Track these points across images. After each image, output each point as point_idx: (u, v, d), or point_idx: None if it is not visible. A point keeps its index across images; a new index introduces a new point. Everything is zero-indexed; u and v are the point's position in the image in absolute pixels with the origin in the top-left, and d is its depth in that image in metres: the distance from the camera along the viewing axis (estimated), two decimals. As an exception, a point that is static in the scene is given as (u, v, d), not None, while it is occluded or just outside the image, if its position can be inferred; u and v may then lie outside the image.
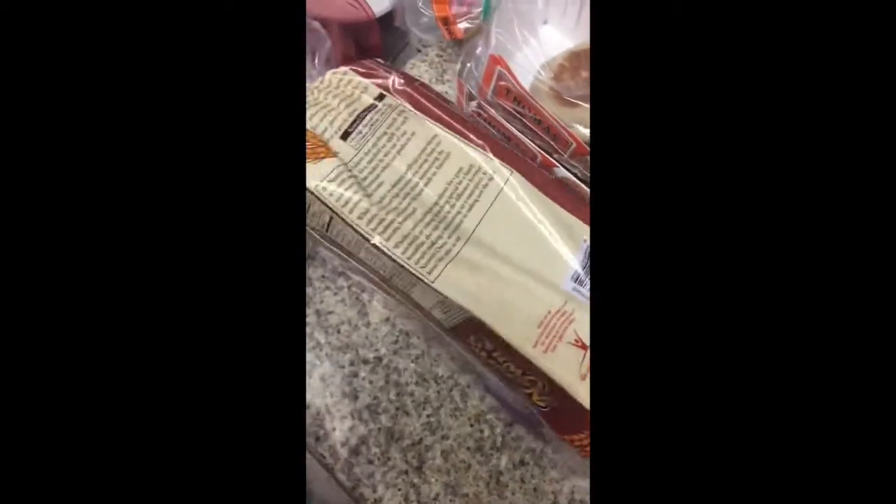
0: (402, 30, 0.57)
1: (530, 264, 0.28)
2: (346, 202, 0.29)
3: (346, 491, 0.34)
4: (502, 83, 0.34)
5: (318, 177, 0.29)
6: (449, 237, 0.28)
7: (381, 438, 0.35)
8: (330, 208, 0.29)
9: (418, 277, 0.28)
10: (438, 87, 0.42)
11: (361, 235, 0.28)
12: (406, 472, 0.34)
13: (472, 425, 0.36)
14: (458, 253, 0.28)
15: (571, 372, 0.27)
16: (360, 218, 0.28)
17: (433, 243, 0.28)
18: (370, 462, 0.34)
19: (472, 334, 0.29)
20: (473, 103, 0.38)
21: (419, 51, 0.43)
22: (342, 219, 0.29)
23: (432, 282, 0.28)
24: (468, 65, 0.36)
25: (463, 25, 0.36)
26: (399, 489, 0.34)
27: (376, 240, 0.28)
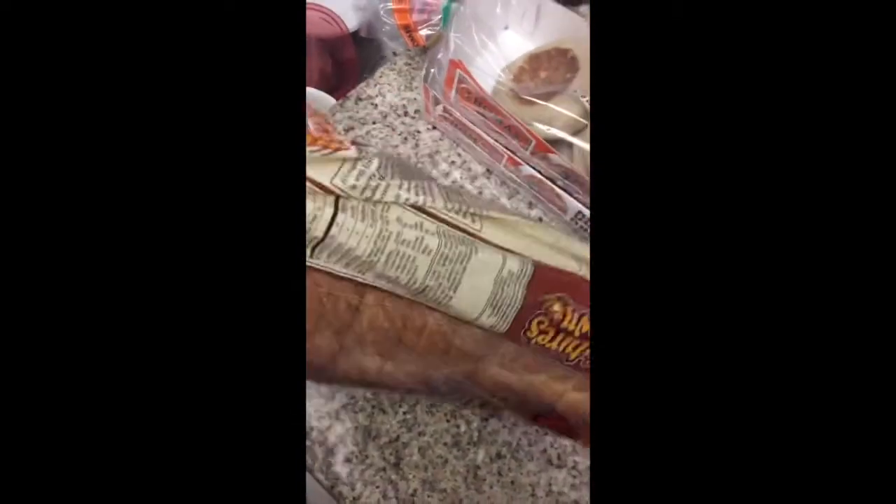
0: (377, 42, 0.58)
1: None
2: (386, 189, 0.27)
3: (325, 490, 0.35)
4: (463, 86, 0.35)
5: (341, 175, 0.27)
6: (476, 207, 0.29)
7: (357, 437, 0.35)
8: (366, 198, 0.27)
9: (476, 237, 0.28)
10: (407, 94, 0.43)
11: (429, 215, 0.27)
12: (384, 470, 0.35)
13: (448, 420, 0.36)
14: (495, 216, 0.29)
15: None
16: (405, 190, 0.27)
17: (471, 212, 0.29)
18: (348, 461, 0.35)
19: (532, 317, 0.28)
20: (439, 107, 0.39)
21: (389, 60, 0.45)
22: (380, 208, 0.27)
23: (488, 238, 0.28)
24: (432, 70, 0.38)
25: (424, 32, 0.37)
26: (377, 486, 0.35)
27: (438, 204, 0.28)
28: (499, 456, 0.36)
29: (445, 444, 0.36)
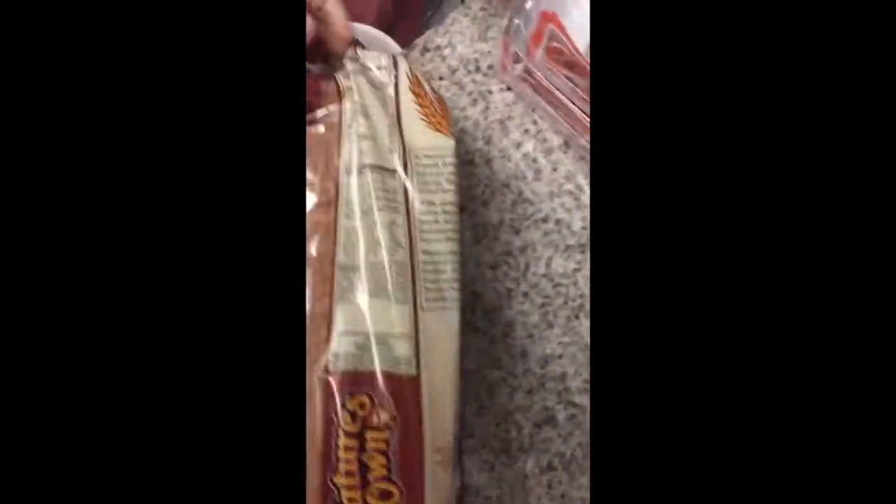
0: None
1: None
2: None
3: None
4: (554, 44, 0.30)
5: None
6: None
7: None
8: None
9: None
10: (481, 46, 0.37)
11: None
12: (425, 470, 0.33)
13: (497, 424, 0.33)
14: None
15: None
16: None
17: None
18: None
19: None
20: (519, 66, 0.34)
21: (463, 2, 0.39)
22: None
23: None
24: (516, 21, 0.32)
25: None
26: (417, 487, 0.32)
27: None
28: (550, 467, 0.33)
29: (493, 449, 0.33)
